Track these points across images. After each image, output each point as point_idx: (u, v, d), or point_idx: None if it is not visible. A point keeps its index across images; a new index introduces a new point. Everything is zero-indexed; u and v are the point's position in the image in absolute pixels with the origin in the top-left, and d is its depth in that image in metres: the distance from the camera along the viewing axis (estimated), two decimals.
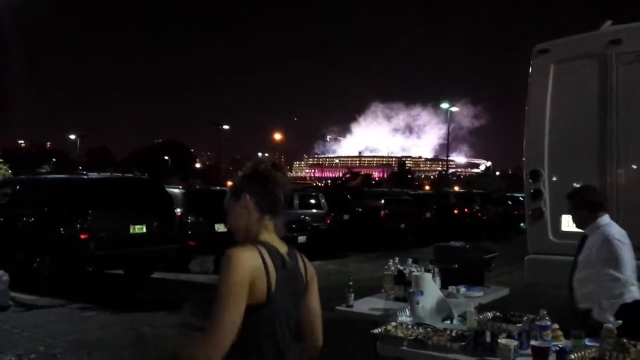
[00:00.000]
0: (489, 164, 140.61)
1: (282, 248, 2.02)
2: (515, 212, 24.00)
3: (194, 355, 1.83)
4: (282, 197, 2.01)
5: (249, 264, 1.86)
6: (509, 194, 31.54)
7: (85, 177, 10.75)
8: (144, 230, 9.83)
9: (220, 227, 11.34)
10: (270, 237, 2.00)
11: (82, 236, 9.14)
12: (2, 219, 10.30)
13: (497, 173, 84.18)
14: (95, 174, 11.25)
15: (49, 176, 13.90)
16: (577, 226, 3.98)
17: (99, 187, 10.22)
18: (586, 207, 3.84)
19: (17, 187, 11.02)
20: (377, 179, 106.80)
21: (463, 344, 3.13)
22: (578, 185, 4.41)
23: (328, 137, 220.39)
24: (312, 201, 15.89)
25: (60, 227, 9.44)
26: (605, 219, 3.83)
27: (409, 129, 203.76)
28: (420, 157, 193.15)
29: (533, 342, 2.91)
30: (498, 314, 3.33)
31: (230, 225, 2.05)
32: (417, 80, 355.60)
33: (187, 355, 1.90)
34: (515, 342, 2.93)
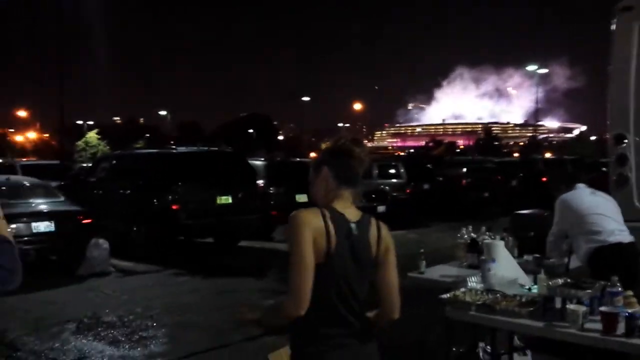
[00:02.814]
0: (584, 128, 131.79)
1: (354, 217, 2.10)
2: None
3: (281, 313, 2.01)
4: (359, 170, 2.14)
5: (311, 223, 2.01)
6: (604, 160, 29.79)
7: (174, 151, 11.36)
8: (230, 200, 10.25)
9: (301, 198, 11.61)
10: (345, 206, 2.11)
11: (174, 207, 9.67)
12: (101, 192, 11.11)
13: (593, 138, 79.21)
14: (184, 148, 11.85)
15: (141, 151, 14.73)
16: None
17: (187, 160, 10.78)
18: (564, 184, 4.72)
19: (114, 161, 11.85)
20: (462, 147, 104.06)
21: (532, 309, 3.15)
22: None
23: (410, 105, 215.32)
24: (392, 171, 15.83)
25: (154, 198, 10.03)
26: (578, 186, 4.62)
27: (498, 94, 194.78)
28: (508, 123, 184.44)
29: (602, 308, 2.89)
30: (569, 280, 3.31)
31: (311, 195, 2.21)
32: (509, 42, 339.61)
33: (274, 314, 2.12)
34: (584, 308, 2.93)
